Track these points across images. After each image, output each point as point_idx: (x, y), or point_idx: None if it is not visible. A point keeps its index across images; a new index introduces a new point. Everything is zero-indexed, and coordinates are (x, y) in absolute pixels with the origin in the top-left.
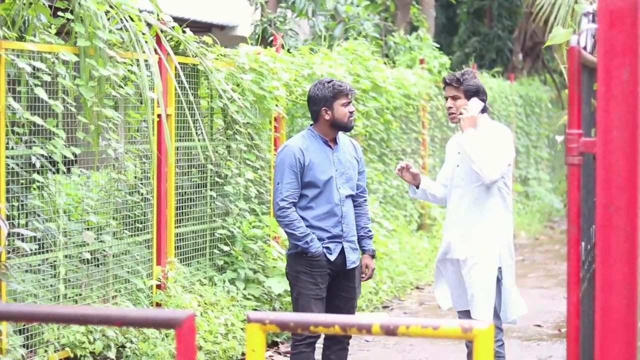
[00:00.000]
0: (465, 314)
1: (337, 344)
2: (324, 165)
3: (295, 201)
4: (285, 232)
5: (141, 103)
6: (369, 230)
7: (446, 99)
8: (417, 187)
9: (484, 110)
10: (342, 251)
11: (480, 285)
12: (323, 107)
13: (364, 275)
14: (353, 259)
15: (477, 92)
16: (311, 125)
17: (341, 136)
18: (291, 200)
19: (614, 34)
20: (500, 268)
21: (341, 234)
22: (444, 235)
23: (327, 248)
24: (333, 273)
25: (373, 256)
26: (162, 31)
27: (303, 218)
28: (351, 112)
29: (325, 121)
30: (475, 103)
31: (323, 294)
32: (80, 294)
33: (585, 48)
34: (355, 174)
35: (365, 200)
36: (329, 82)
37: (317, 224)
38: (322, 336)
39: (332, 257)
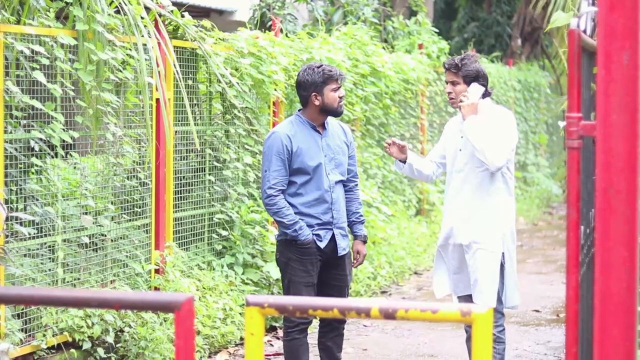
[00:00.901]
0: (466, 299)
1: (333, 331)
2: (313, 151)
3: (284, 188)
4: (274, 219)
5: (139, 87)
6: (361, 215)
7: (447, 83)
8: (404, 162)
9: (487, 94)
10: (333, 238)
11: (484, 271)
12: (313, 93)
13: (355, 262)
14: (344, 245)
15: (477, 77)
16: (299, 110)
17: (330, 120)
18: (279, 188)
19: (614, 17)
20: (503, 253)
21: (331, 221)
22: (446, 220)
23: (317, 235)
24: (324, 260)
25: (364, 242)
26: (160, 15)
27: (292, 205)
28: (341, 97)
29: (315, 107)
30: (475, 88)
31: (314, 280)
32: (78, 278)
33: (585, 31)
34: (346, 158)
35: (356, 184)
36: (318, 67)
37: (306, 211)
38: (315, 323)
39: (322, 245)
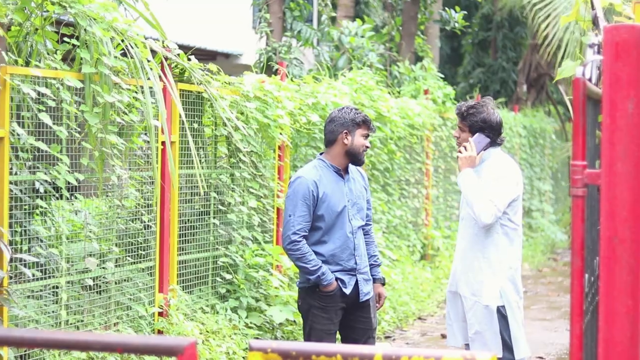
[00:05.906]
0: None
1: None
2: (337, 197)
3: (307, 234)
4: (297, 265)
5: (145, 130)
6: (378, 258)
7: (457, 126)
8: None
9: (497, 143)
10: (356, 284)
11: (479, 326)
12: (344, 130)
13: (377, 305)
14: (366, 290)
15: (483, 128)
16: (321, 154)
17: (350, 166)
18: (302, 234)
19: (619, 66)
20: (503, 306)
21: (355, 267)
22: (453, 266)
23: (342, 281)
24: (347, 306)
25: (383, 284)
26: (166, 58)
27: (318, 253)
28: (366, 147)
29: (342, 146)
30: (477, 140)
31: (335, 328)
32: (81, 321)
33: (590, 80)
34: (365, 203)
35: (372, 227)
36: (355, 109)
37: (331, 259)
38: None
39: (347, 291)
